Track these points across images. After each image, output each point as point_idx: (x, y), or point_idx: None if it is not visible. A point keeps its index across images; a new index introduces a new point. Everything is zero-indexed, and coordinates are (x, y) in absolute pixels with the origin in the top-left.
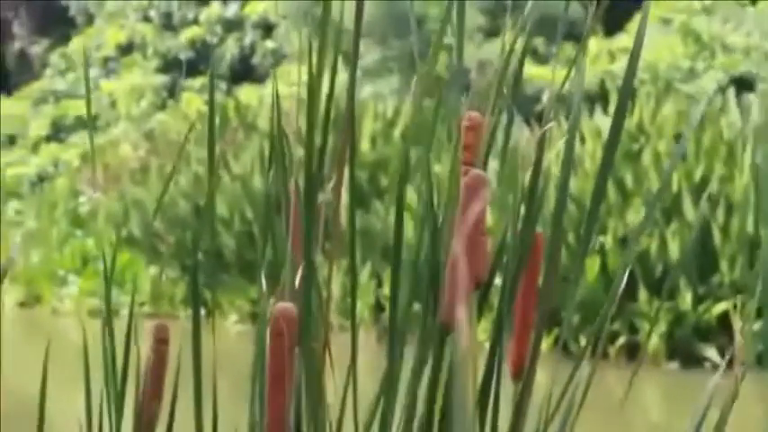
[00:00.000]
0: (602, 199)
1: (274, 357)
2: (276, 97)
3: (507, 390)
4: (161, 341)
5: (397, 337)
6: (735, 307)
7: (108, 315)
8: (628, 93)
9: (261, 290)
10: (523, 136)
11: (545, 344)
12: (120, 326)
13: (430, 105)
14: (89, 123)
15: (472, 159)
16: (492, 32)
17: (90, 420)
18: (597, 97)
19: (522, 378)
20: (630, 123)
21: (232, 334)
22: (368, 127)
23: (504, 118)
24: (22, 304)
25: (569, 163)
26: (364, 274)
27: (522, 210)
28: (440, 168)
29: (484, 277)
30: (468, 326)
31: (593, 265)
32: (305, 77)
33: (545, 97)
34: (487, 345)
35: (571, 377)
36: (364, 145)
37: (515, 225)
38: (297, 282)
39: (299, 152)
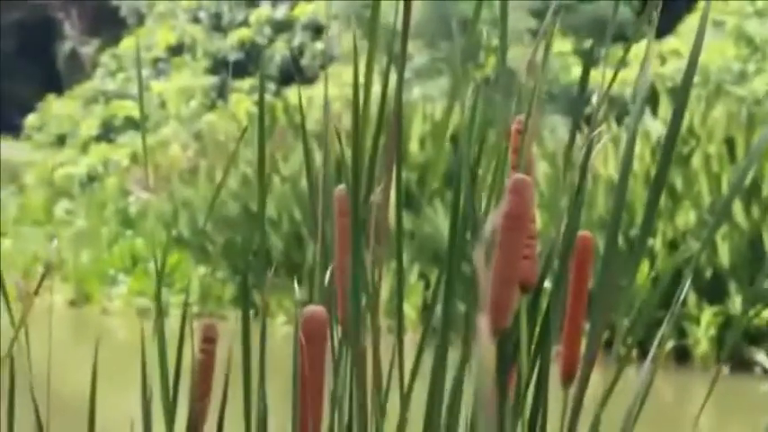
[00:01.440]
0: (657, 204)
1: (306, 360)
2: (326, 99)
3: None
4: (209, 340)
5: (443, 340)
6: None
7: (159, 316)
8: (685, 98)
9: (296, 293)
10: (574, 138)
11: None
12: (169, 325)
13: (479, 107)
14: (141, 124)
15: (522, 163)
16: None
17: (148, 421)
18: (646, 99)
19: (571, 384)
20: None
21: (280, 335)
22: (417, 129)
23: (552, 120)
24: (72, 303)
25: (628, 167)
26: (412, 276)
27: (568, 212)
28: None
29: (533, 282)
30: (489, 339)
31: (642, 268)
32: (352, 79)
33: (594, 99)
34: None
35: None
36: (413, 147)
37: (561, 228)
38: (344, 284)
39: (347, 153)
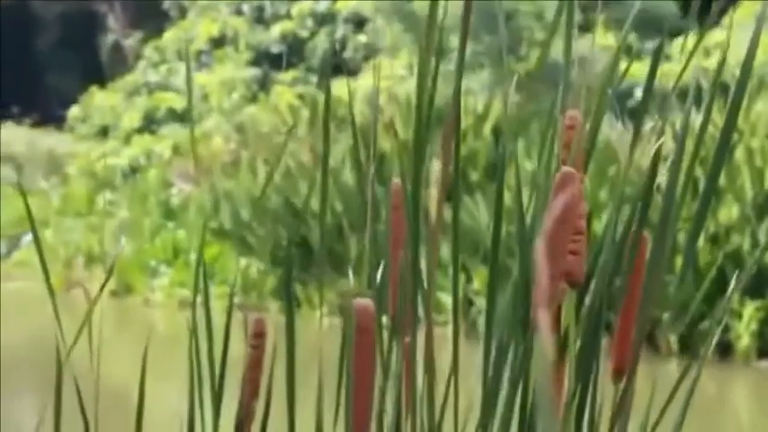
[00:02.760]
0: (710, 201)
1: (358, 353)
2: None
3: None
4: (259, 335)
5: (493, 337)
6: None
7: (207, 312)
8: (740, 100)
9: (347, 286)
10: (616, 132)
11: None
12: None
13: (521, 101)
14: (188, 116)
15: (572, 158)
16: (584, 28)
17: (192, 413)
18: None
19: (621, 379)
20: (723, 120)
21: (322, 326)
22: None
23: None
24: (114, 294)
25: (678, 165)
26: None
27: (623, 208)
28: (530, 165)
29: (580, 277)
30: (549, 331)
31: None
32: (397, 72)
33: (638, 92)
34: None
35: (679, 379)
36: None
37: (615, 225)
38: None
39: (385, 145)
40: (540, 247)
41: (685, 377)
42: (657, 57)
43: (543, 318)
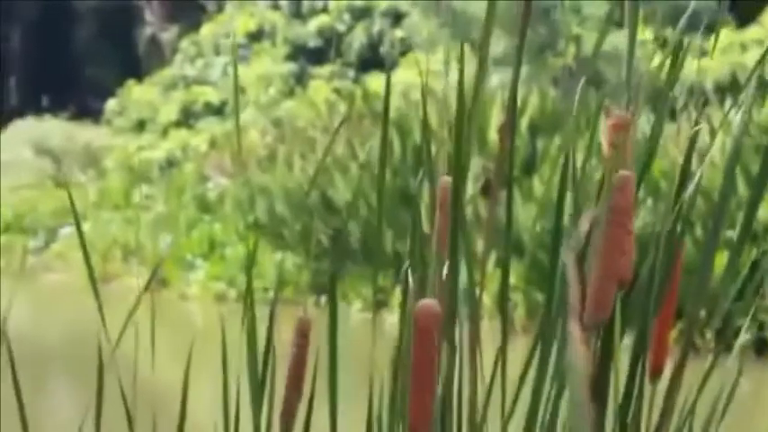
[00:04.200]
0: (730, 194)
1: (420, 354)
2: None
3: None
4: (302, 335)
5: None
6: None
7: (251, 310)
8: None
9: (406, 286)
10: (658, 130)
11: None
12: (241, 310)
13: (556, 96)
14: (235, 110)
15: (620, 158)
16: (621, 23)
17: (227, 409)
18: (728, 89)
19: (659, 378)
20: (762, 116)
21: (356, 322)
22: (495, 116)
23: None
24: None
25: (734, 164)
26: (489, 264)
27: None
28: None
29: (629, 277)
30: (582, 342)
31: (720, 259)
32: (433, 66)
33: (676, 89)
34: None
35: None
36: (491, 134)
37: (661, 225)
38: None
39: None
40: (569, 258)
41: (713, 370)
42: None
43: (576, 331)
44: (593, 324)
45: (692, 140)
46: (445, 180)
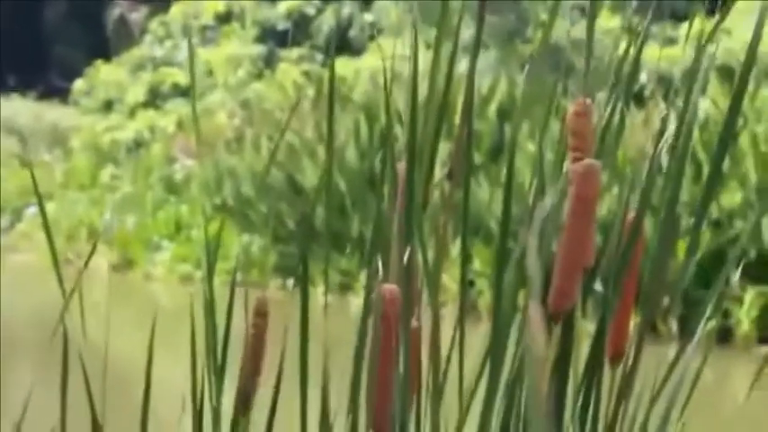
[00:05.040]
0: (713, 192)
1: (380, 337)
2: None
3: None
4: (261, 314)
5: (501, 321)
6: None
7: (210, 290)
8: (746, 79)
9: (370, 271)
10: (624, 116)
11: (631, 324)
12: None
13: (524, 84)
14: (192, 93)
15: (581, 146)
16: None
17: (195, 389)
18: (696, 78)
19: (620, 363)
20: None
21: (320, 305)
22: (462, 102)
23: (608, 102)
24: (115, 268)
25: (685, 152)
26: (454, 249)
27: (625, 195)
28: (534, 147)
29: (590, 261)
30: (540, 327)
31: (684, 247)
32: (401, 51)
33: (643, 76)
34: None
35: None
36: (458, 120)
37: (622, 212)
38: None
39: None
40: (531, 243)
41: (680, 359)
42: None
43: (535, 316)
44: (558, 312)
45: (659, 135)
46: (401, 165)
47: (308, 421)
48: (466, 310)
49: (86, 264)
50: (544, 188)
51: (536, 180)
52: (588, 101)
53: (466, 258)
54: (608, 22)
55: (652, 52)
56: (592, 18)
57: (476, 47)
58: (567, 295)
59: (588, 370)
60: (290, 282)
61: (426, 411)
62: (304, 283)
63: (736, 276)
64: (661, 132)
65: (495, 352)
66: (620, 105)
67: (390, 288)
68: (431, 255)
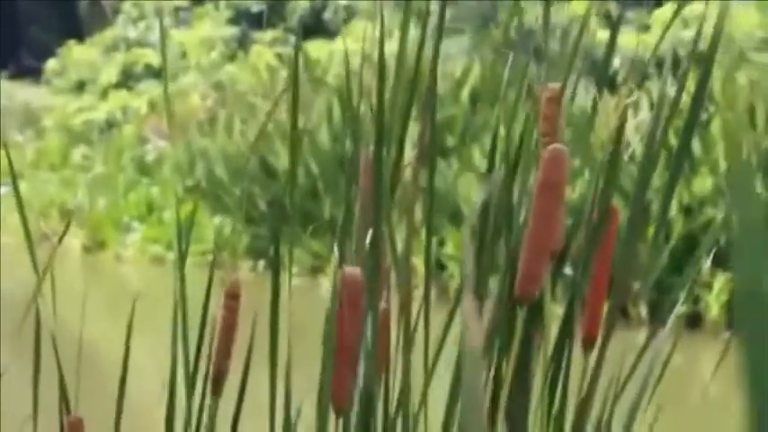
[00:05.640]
0: (679, 175)
1: (341, 321)
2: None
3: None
4: (233, 297)
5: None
6: None
7: (182, 272)
8: (710, 68)
9: (334, 255)
10: (596, 102)
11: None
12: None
13: (497, 67)
14: (164, 74)
15: (552, 131)
16: None
17: (174, 374)
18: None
19: (592, 348)
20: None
21: (292, 287)
22: (426, 85)
23: (577, 85)
24: (86, 249)
25: (655, 139)
26: (424, 233)
27: (598, 180)
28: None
29: (559, 247)
30: (476, 322)
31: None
32: (374, 34)
33: (616, 62)
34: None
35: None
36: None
37: (592, 196)
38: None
39: (364, 107)
40: (466, 233)
41: (650, 344)
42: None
43: (469, 306)
44: (525, 297)
45: (623, 116)
46: (367, 149)
47: (276, 403)
48: (430, 288)
49: (60, 241)
50: (511, 173)
51: (504, 165)
52: (559, 86)
53: (430, 239)
54: (581, 7)
55: (626, 38)
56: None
57: (439, 29)
58: (533, 279)
59: (556, 354)
60: (262, 264)
61: (394, 391)
62: (275, 266)
63: (707, 263)
64: (624, 116)
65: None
66: (592, 90)
67: (351, 271)
68: (400, 237)
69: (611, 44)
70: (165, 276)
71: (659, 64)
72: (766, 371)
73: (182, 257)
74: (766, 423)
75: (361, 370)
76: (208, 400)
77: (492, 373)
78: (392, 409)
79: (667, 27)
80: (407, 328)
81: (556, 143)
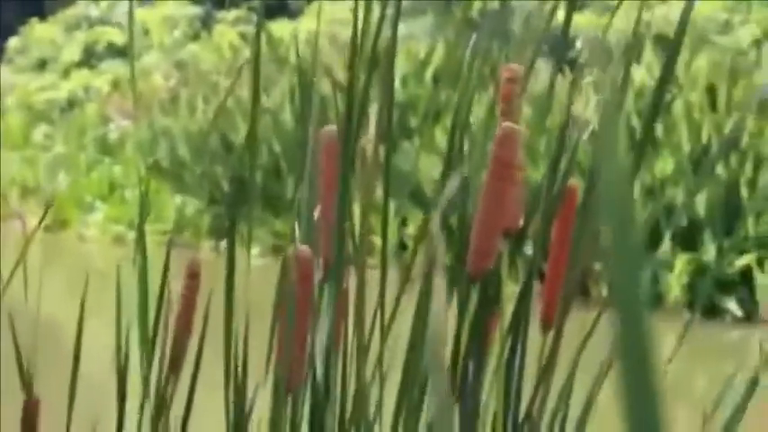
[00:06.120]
0: (643, 156)
1: (294, 299)
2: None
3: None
4: (193, 276)
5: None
6: (758, 261)
7: (142, 250)
8: (676, 54)
9: (280, 227)
10: (556, 82)
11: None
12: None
13: (462, 48)
14: (129, 52)
15: (509, 111)
16: None
17: (120, 351)
18: (632, 45)
19: (550, 329)
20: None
21: (254, 266)
22: (399, 67)
23: (538, 66)
24: (48, 228)
25: (616, 114)
26: (389, 213)
27: (555, 158)
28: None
29: (516, 227)
30: (444, 306)
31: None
32: (337, 15)
33: (578, 43)
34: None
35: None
36: (395, 85)
37: (549, 174)
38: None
39: (327, 87)
40: (435, 214)
41: (600, 321)
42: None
43: (440, 290)
44: (477, 272)
45: (573, 93)
46: (328, 129)
47: (231, 381)
48: (387, 268)
49: (40, 223)
50: (473, 154)
51: (467, 146)
52: (518, 66)
53: (386, 223)
54: None
55: (588, 19)
56: None
57: (396, 8)
58: (485, 256)
59: (511, 332)
60: (224, 243)
61: (351, 371)
62: (231, 242)
63: (667, 243)
64: (594, 99)
65: (418, 313)
66: (554, 72)
67: (302, 250)
68: (358, 216)
69: (567, 22)
70: (128, 256)
71: (622, 47)
72: (634, 323)
73: (141, 236)
74: (634, 388)
75: (318, 349)
76: (165, 377)
77: (449, 352)
78: (349, 391)
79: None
80: (360, 306)
81: (514, 123)
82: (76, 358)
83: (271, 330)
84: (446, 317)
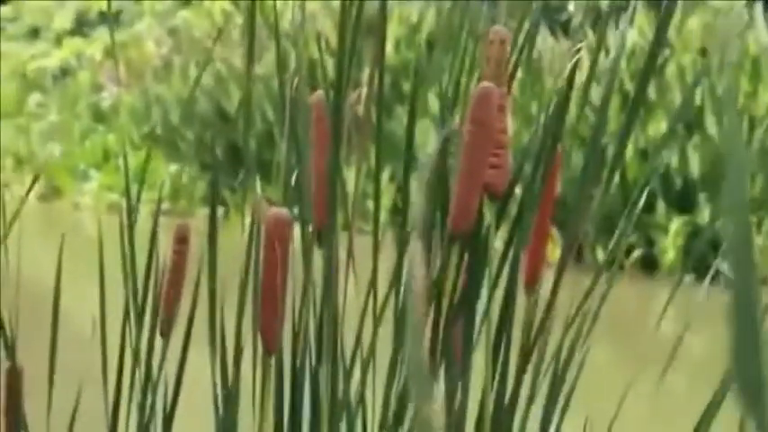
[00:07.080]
0: (635, 118)
1: (267, 264)
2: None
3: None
4: (182, 241)
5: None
6: (757, 224)
7: (129, 214)
8: (671, 9)
9: (260, 193)
10: (548, 45)
11: (557, 253)
12: (138, 221)
13: (454, 11)
14: (110, 24)
15: (496, 74)
16: None
17: (104, 317)
18: (624, 8)
19: (534, 290)
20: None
21: (246, 234)
22: (392, 31)
23: (529, 28)
24: (42, 197)
25: (611, 84)
26: (383, 178)
27: (544, 120)
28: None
29: (501, 190)
30: (422, 267)
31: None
32: None
33: (571, 6)
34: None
35: (590, 290)
36: (387, 49)
37: (538, 135)
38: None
39: (316, 52)
40: (420, 178)
41: (596, 285)
42: None
43: (416, 251)
44: (457, 233)
45: (573, 58)
46: (317, 93)
47: (216, 342)
48: (379, 232)
49: (27, 194)
50: (459, 117)
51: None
52: (504, 29)
53: (378, 189)
54: None
55: None
56: None
57: None
58: (465, 214)
59: (505, 293)
60: (222, 212)
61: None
62: (213, 204)
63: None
64: (588, 61)
65: (397, 275)
66: (546, 35)
67: (278, 211)
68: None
69: None
70: (123, 224)
71: (614, 8)
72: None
73: (129, 203)
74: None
75: (310, 315)
76: (156, 341)
77: (432, 313)
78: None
79: None
80: (327, 267)
81: (499, 85)
82: (55, 323)
83: (240, 291)
84: (425, 281)
